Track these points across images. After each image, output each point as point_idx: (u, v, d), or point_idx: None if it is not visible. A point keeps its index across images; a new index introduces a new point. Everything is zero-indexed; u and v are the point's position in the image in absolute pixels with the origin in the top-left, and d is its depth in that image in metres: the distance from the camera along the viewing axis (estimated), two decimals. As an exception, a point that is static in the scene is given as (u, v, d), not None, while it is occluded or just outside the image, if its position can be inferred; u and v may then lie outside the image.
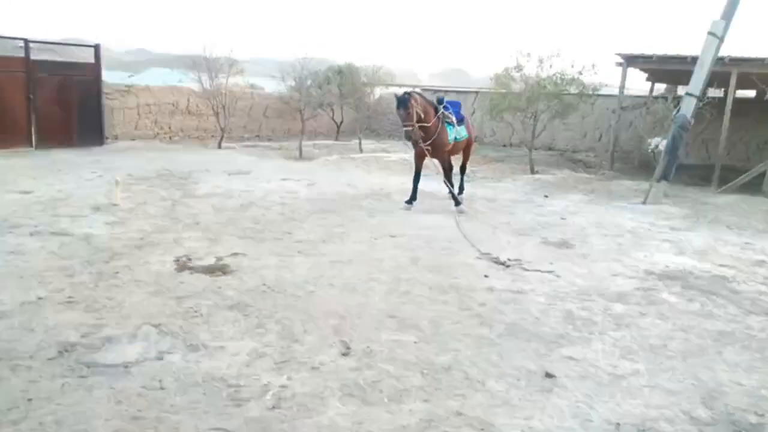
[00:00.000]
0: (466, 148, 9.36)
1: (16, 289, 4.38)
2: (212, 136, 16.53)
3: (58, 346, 3.50)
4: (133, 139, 14.99)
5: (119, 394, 3.02)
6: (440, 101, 8.52)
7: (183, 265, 5.18)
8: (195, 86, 16.06)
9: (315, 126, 18.59)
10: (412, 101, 7.68)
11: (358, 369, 3.41)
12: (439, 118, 8.20)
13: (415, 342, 3.82)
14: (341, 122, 19.04)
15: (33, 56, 12.65)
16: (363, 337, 3.85)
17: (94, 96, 13.59)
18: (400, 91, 8.40)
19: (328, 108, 18.11)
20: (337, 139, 18.97)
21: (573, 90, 13.21)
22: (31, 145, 12.62)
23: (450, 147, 8.48)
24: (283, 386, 3.18)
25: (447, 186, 8.43)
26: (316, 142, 17.74)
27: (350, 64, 17.52)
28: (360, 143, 16.23)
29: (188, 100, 16.49)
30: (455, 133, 8.51)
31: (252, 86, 20.78)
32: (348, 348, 3.68)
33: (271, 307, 4.32)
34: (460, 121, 8.73)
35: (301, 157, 14.53)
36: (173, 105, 16.24)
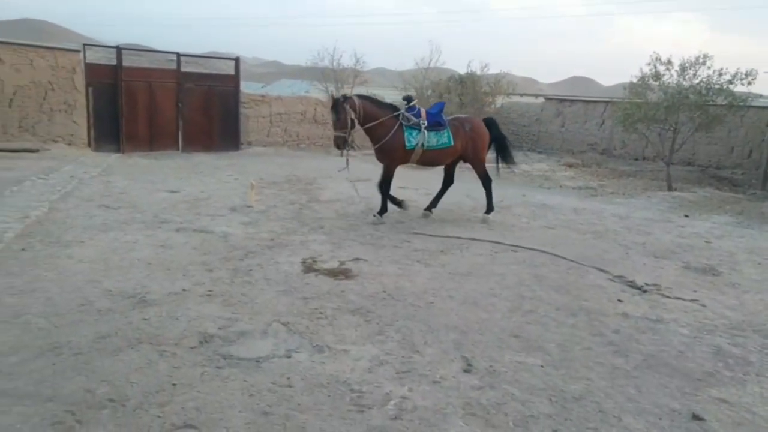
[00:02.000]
0: (473, 158, 7.85)
1: (164, 280, 4.80)
2: (335, 143, 17.19)
3: (199, 336, 3.77)
4: (265, 146, 16.01)
5: (251, 388, 3.17)
6: (408, 100, 7.57)
7: (309, 267, 5.38)
8: (322, 96, 16.85)
9: (433, 135, 18.66)
10: (347, 105, 6.98)
11: (480, 388, 3.29)
12: (398, 120, 7.36)
13: (541, 366, 3.61)
14: (460, 132, 18.94)
15: (182, 68, 14.02)
16: (485, 355, 3.71)
17: (233, 105, 14.73)
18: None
19: (448, 117, 18.12)
20: (455, 148, 18.89)
21: (720, 101, 11.97)
22: (178, 148, 13.97)
23: (410, 154, 7.41)
24: (404, 397, 3.15)
25: (381, 194, 7.55)
26: (434, 151, 17.79)
27: (472, 74, 17.37)
28: (479, 153, 16.00)
29: (315, 110, 17.31)
30: (422, 138, 7.34)
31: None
32: (470, 365, 3.56)
33: (392, 315, 4.33)
34: (438, 125, 7.49)
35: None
36: (301, 114, 17.13)
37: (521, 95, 21.76)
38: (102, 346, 3.53)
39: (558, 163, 15.60)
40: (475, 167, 8.03)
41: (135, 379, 3.18)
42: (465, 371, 3.49)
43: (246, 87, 18.98)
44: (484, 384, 3.34)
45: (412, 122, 7.38)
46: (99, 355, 3.42)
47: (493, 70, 17.62)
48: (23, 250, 5.36)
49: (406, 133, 7.33)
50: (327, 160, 14.49)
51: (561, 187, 11.73)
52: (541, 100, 20.36)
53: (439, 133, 7.48)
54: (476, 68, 17.46)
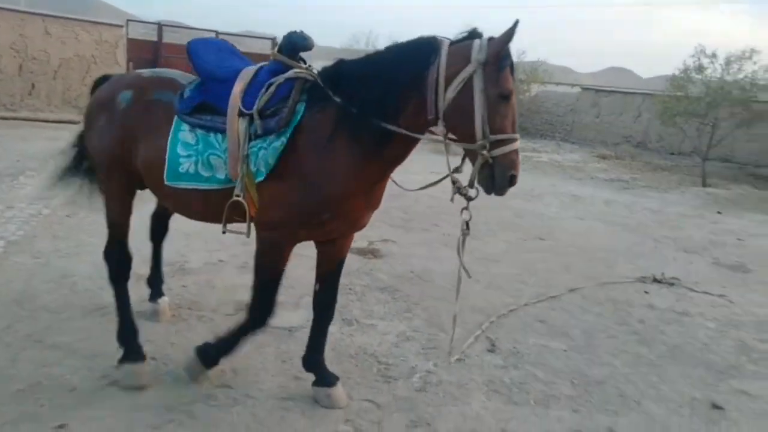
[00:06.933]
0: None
1: (202, 251, 5.00)
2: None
3: (234, 304, 3.94)
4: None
5: (284, 354, 3.33)
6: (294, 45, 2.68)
7: (339, 246, 5.51)
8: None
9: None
10: None
11: (504, 367, 3.39)
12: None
13: (564, 350, 3.69)
14: (492, 119, 18.75)
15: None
16: (509, 337, 3.81)
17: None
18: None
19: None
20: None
21: (765, 97, 11.64)
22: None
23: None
24: (429, 371, 3.28)
25: None
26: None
27: (507, 61, 17.15)
28: (510, 142, 15.86)
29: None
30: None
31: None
32: (493, 345, 3.66)
33: (419, 295, 4.44)
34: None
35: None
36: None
37: (557, 84, 21.42)
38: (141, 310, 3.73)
39: (591, 155, 15.40)
40: None
41: (175, 340, 3.37)
42: (489, 351, 3.59)
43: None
44: (507, 364, 3.44)
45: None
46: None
47: (529, 58, 17.36)
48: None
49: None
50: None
51: (593, 178, 11.62)
52: (578, 89, 20.02)
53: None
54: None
